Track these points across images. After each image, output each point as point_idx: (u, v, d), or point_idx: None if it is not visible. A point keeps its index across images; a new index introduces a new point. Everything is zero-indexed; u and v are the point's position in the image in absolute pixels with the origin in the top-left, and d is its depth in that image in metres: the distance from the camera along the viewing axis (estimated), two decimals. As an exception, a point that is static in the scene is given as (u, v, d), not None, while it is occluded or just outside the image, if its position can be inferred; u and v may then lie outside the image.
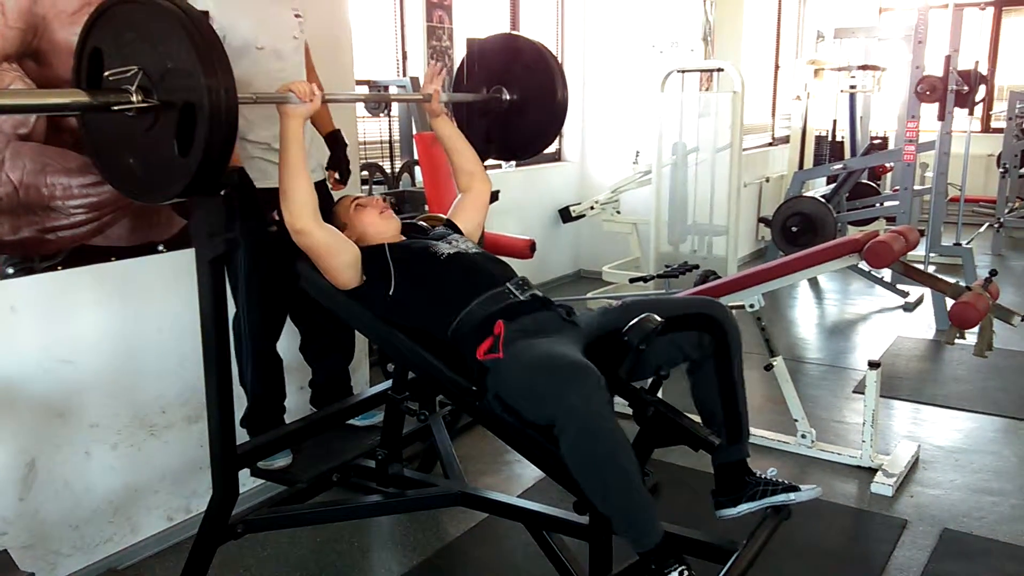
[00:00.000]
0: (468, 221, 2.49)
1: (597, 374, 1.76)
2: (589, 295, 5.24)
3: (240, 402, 2.42)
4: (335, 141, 2.76)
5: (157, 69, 1.69)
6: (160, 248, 2.59)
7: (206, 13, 2.28)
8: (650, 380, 2.04)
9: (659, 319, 1.89)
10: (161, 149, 1.73)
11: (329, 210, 2.38)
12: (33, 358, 2.29)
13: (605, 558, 1.96)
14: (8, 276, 2.23)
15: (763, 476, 2.10)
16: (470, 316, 2.03)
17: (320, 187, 2.70)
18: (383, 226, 2.30)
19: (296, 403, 2.93)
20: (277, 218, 2.28)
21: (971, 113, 5.62)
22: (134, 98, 1.69)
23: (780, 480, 2.09)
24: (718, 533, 2.05)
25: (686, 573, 1.74)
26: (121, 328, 2.50)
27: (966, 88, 5.17)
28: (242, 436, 2.39)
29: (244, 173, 2.40)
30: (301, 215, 2.09)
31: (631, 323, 1.89)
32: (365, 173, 4.19)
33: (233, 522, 2.13)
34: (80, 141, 2.25)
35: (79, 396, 2.41)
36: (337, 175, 2.78)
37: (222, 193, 1.84)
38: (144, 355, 2.57)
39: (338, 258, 2.13)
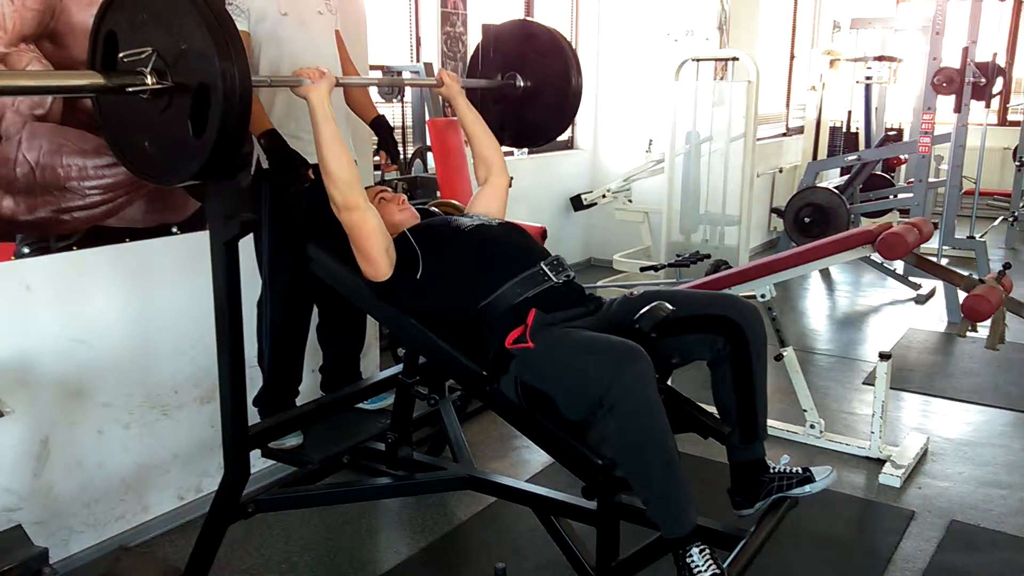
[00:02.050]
0: (487, 210, 2.45)
1: (647, 356, 1.75)
2: (600, 283, 5.24)
3: (252, 384, 2.44)
4: (380, 125, 2.78)
5: (171, 51, 1.69)
6: (174, 230, 2.60)
7: None
8: (661, 368, 2.04)
9: (670, 307, 1.88)
10: (175, 131, 1.74)
11: None
12: (48, 337, 2.32)
13: (612, 543, 1.98)
14: (24, 255, 2.25)
15: (777, 470, 2.09)
16: (503, 298, 1.99)
17: None
18: (405, 220, 2.28)
19: (307, 386, 2.95)
20: (313, 176, 2.29)
21: (988, 106, 5.56)
22: (148, 80, 1.70)
23: (795, 471, 2.08)
24: (726, 520, 2.06)
25: (706, 551, 1.75)
26: (135, 309, 2.52)
27: (983, 80, 5.13)
28: (253, 416, 2.42)
29: (276, 134, 2.39)
30: (350, 191, 2.06)
31: (643, 310, 1.89)
32: (378, 159, 4.20)
33: (244, 501, 2.16)
34: (95, 122, 2.26)
35: (92, 375, 2.43)
36: (388, 158, 2.80)
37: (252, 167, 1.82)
38: (157, 336, 2.59)
39: (381, 242, 2.09)
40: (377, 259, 2.09)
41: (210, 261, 1.93)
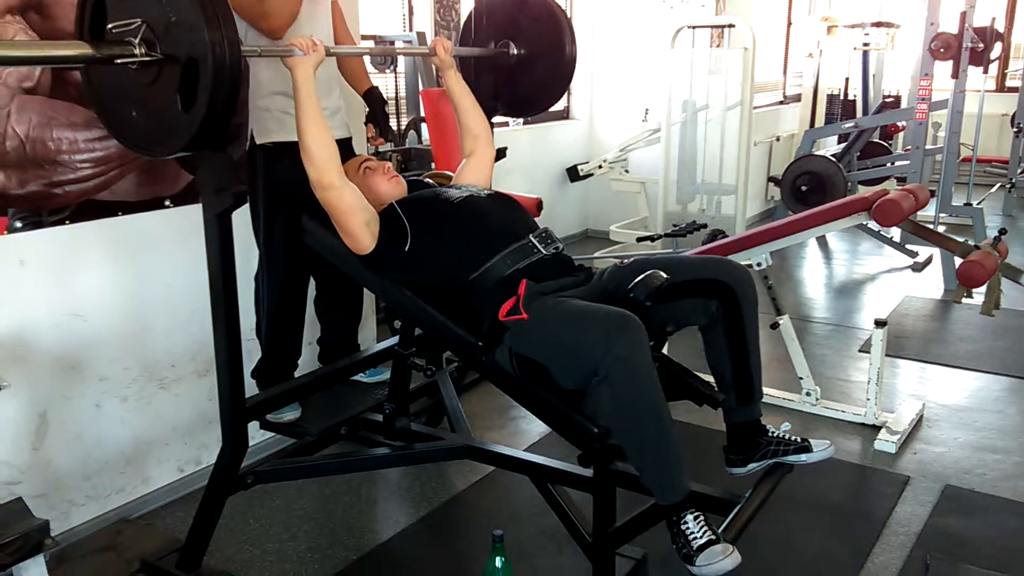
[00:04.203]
0: (475, 181, 2.45)
1: (641, 324, 1.75)
2: (597, 255, 5.23)
3: (249, 356, 2.44)
4: (372, 97, 2.76)
5: (161, 22, 1.68)
6: (167, 203, 2.59)
7: None
8: (655, 336, 2.05)
9: (664, 276, 1.88)
10: (164, 103, 1.73)
11: None
12: (43, 311, 2.32)
13: (609, 510, 1.99)
14: (16, 230, 2.24)
15: (776, 434, 2.10)
16: (493, 270, 2.00)
17: (346, 146, 2.72)
18: (392, 190, 2.26)
19: (304, 359, 2.96)
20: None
21: (986, 71, 5.53)
22: (137, 51, 1.68)
23: (793, 438, 2.09)
24: (720, 487, 2.07)
25: (701, 517, 1.77)
26: (130, 283, 2.52)
27: (981, 46, 5.09)
28: (251, 388, 2.42)
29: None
30: (326, 170, 2.05)
31: (637, 279, 1.89)
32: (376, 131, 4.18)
33: (243, 473, 2.17)
34: (85, 95, 2.24)
35: (89, 349, 2.44)
36: (377, 130, 2.79)
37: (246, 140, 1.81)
38: (153, 309, 2.59)
39: (358, 216, 2.09)
40: (357, 234, 2.09)
41: (203, 233, 1.92)
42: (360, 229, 2.09)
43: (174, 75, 1.69)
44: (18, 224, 2.24)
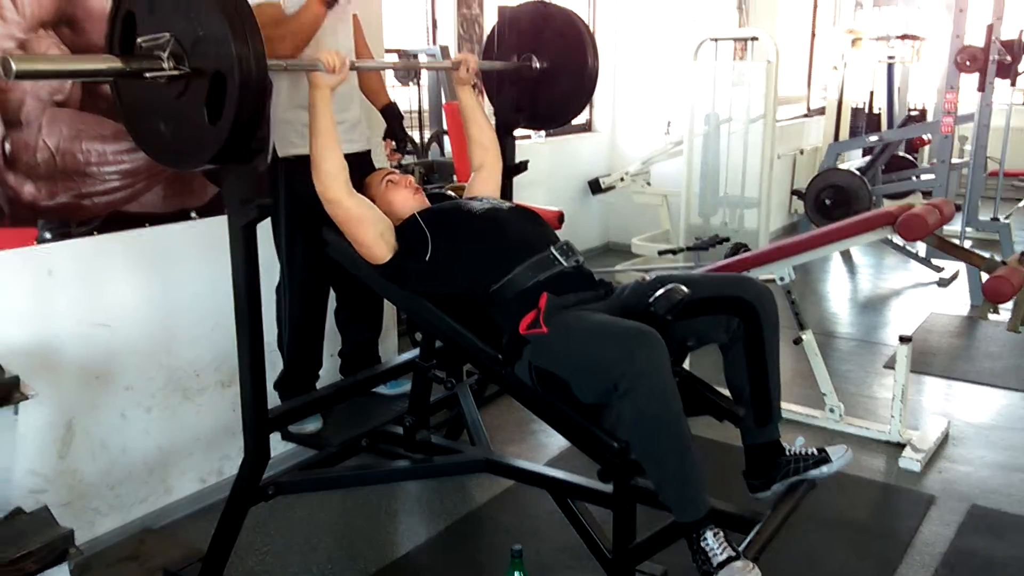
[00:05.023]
0: (490, 194, 2.47)
1: (661, 339, 1.75)
2: (618, 267, 5.23)
3: (272, 367, 2.46)
4: (390, 113, 2.78)
5: (189, 37, 1.70)
6: (193, 215, 2.62)
7: None
8: (676, 351, 2.04)
9: (686, 290, 1.88)
10: (192, 116, 1.75)
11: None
12: (70, 321, 2.35)
13: (629, 526, 1.98)
14: (46, 240, 2.27)
15: (793, 452, 2.09)
16: (514, 282, 2.00)
17: (364, 158, 2.74)
18: (414, 203, 2.29)
19: (326, 370, 2.97)
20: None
21: (1013, 84, 5.45)
22: (166, 65, 1.70)
23: (810, 452, 2.07)
24: (741, 504, 2.05)
25: (720, 534, 1.75)
26: (156, 293, 2.55)
27: (1009, 58, 5.03)
28: (273, 399, 2.44)
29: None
30: (331, 185, 2.10)
31: (658, 293, 1.88)
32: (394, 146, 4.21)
33: (264, 484, 2.18)
34: (114, 108, 2.27)
35: (115, 359, 2.46)
36: (394, 145, 2.81)
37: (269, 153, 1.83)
38: (178, 320, 2.62)
39: (370, 228, 2.12)
40: (369, 244, 2.13)
41: (228, 245, 1.94)
42: (373, 240, 2.12)
43: (201, 89, 1.71)
44: (47, 235, 2.27)
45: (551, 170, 5.62)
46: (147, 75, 1.71)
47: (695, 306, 1.93)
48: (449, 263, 2.10)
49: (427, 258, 2.10)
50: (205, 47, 1.68)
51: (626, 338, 1.75)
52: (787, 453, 2.09)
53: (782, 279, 3.17)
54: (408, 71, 4.58)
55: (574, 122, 3.23)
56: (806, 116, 7.74)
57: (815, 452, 2.07)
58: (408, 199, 2.29)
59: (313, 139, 2.10)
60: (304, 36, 2.45)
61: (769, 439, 2.09)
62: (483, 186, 2.51)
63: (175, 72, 1.71)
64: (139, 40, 1.77)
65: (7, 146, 2.17)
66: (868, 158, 6.39)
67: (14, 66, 1.51)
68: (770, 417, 2.06)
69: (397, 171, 2.40)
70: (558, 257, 2.06)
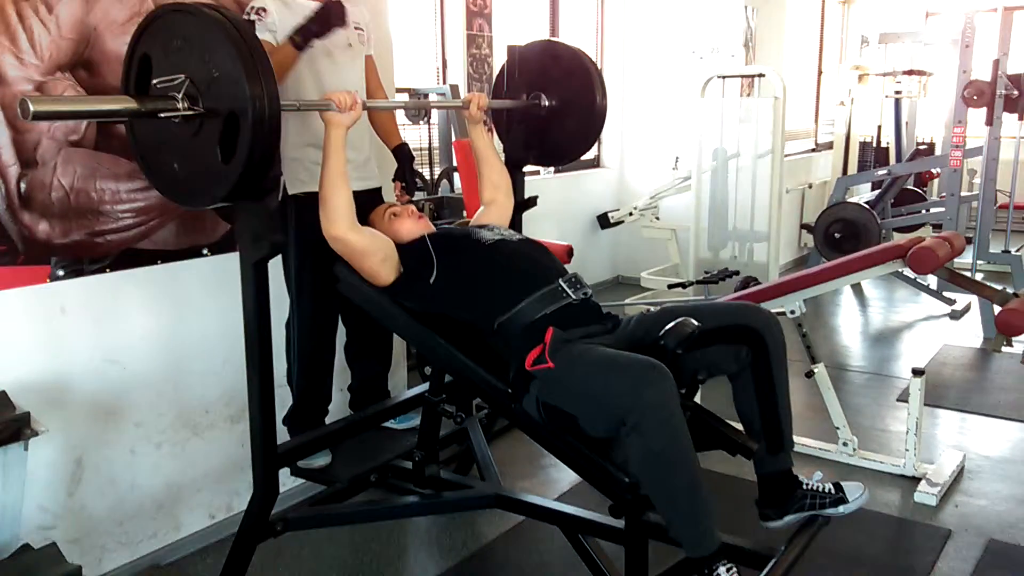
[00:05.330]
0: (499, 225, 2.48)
1: (669, 373, 1.74)
2: (627, 301, 5.22)
3: (281, 403, 2.46)
4: (402, 154, 2.81)
5: (203, 78, 1.74)
6: (205, 252, 2.64)
7: (263, 9, 2.38)
8: (687, 384, 2.03)
9: (696, 323, 1.87)
10: (205, 155, 1.78)
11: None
12: (82, 358, 2.36)
13: (641, 562, 1.96)
14: (59, 278, 2.30)
15: (809, 486, 2.07)
16: (521, 314, 2.01)
17: (375, 195, 2.77)
18: (417, 228, 2.31)
19: (335, 405, 2.96)
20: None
21: (1021, 118, 5.48)
22: (180, 105, 1.74)
23: (827, 488, 2.06)
24: (755, 538, 2.03)
25: (734, 569, 1.73)
26: (167, 330, 2.56)
27: (1015, 92, 5.06)
28: (282, 434, 2.43)
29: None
30: (337, 222, 2.12)
31: (668, 327, 1.88)
32: (403, 186, 4.25)
33: (273, 520, 2.17)
34: (128, 147, 2.31)
35: (125, 396, 2.47)
36: (403, 185, 2.84)
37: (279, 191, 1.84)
38: (188, 356, 2.63)
39: (374, 257, 2.15)
40: (375, 272, 2.17)
41: (240, 282, 1.95)
42: (377, 267, 2.16)
43: (215, 128, 1.74)
44: (60, 272, 2.30)
45: (560, 205, 5.65)
46: (162, 115, 1.74)
47: (703, 336, 1.93)
48: (454, 290, 2.11)
49: (431, 281, 2.11)
50: (219, 88, 1.72)
51: (633, 372, 1.74)
52: (804, 487, 2.07)
53: (793, 312, 3.16)
54: (419, 110, 4.63)
55: (583, 158, 3.25)
56: (814, 151, 7.78)
57: (832, 490, 2.05)
58: (413, 227, 2.31)
59: (324, 177, 2.13)
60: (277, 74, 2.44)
61: (782, 468, 2.07)
62: (491, 220, 2.52)
63: (189, 112, 1.74)
64: (154, 81, 1.80)
65: (23, 185, 2.20)
66: (877, 192, 6.40)
67: (32, 107, 1.54)
68: (782, 445, 2.05)
69: (397, 203, 2.43)
70: (566, 289, 2.07)
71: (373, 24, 2.85)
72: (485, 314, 2.05)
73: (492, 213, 2.56)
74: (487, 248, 2.17)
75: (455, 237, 2.24)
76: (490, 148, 2.61)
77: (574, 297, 2.06)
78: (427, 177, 4.69)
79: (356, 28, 2.67)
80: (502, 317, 2.02)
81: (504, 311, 2.02)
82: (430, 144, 4.84)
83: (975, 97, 4.97)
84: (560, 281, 2.08)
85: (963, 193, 5.53)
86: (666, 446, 1.71)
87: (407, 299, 2.18)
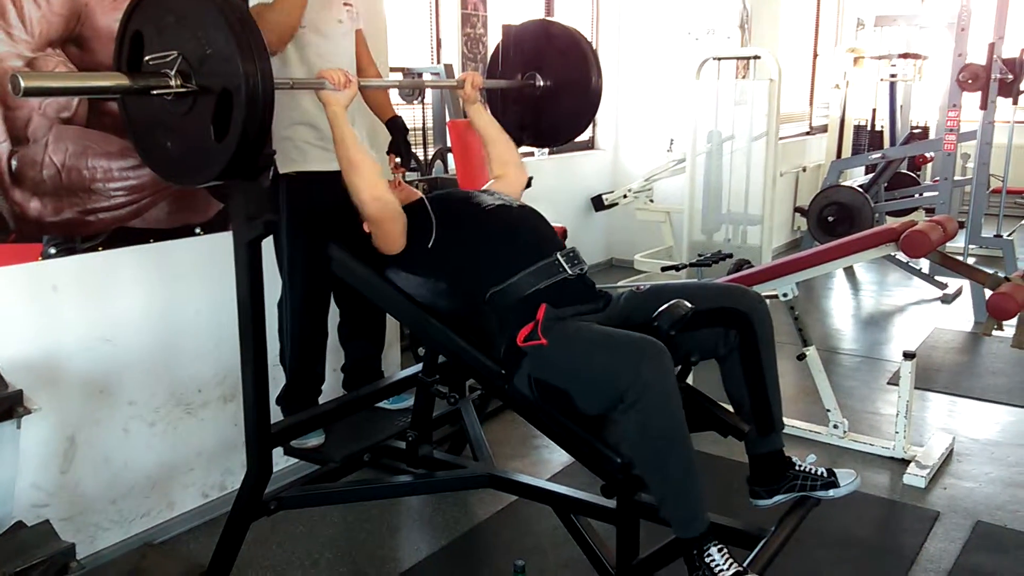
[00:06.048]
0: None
1: (668, 351, 1.74)
2: (621, 283, 5.23)
3: (274, 383, 2.46)
4: (395, 126, 2.79)
5: (196, 55, 1.72)
6: (197, 231, 2.63)
7: None
8: (679, 366, 2.04)
9: (689, 305, 1.88)
10: (198, 133, 1.77)
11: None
12: (74, 336, 2.36)
13: (632, 541, 1.97)
14: (51, 256, 2.29)
15: (802, 468, 2.08)
16: (515, 286, 1.98)
17: None
18: (404, 195, 2.26)
19: (328, 385, 2.97)
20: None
21: (1015, 102, 5.48)
22: (173, 82, 1.72)
23: (819, 471, 2.07)
24: (746, 519, 2.05)
25: (725, 549, 1.74)
26: (159, 308, 2.56)
27: (1010, 77, 5.05)
28: (276, 414, 2.44)
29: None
30: (377, 184, 2.09)
31: (661, 308, 1.88)
32: (398, 160, 4.23)
33: (266, 499, 2.18)
34: (120, 125, 2.30)
35: (118, 374, 2.47)
36: (399, 159, 2.82)
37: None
38: (181, 335, 2.62)
39: (400, 225, 2.11)
40: (397, 238, 2.11)
41: (233, 261, 1.95)
42: (401, 234, 2.11)
43: (208, 106, 1.73)
44: (52, 250, 2.29)
45: (554, 187, 5.64)
46: (154, 92, 1.73)
47: (694, 319, 1.93)
48: (451, 254, 2.08)
49: (429, 245, 2.08)
50: (212, 65, 1.70)
51: (633, 349, 1.75)
52: (796, 468, 2.08)
53: (785, 295, 3.17)
54: (413, 89, 4.60)
55: (577, 139, 3.24)
56: (808, 134, 7.77)
57: (824, 473, 2.07)
58: (411, 194, 2.26)
59: (342, 148, 2.09)
60: (288, 24, 2.39)
61: (772, 448, 2.08)
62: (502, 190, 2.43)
63: (182, 89, 1.73)
64: (147, 58, 1.79)
65: (14, 163, 2.19)
66: (871, 175, 6.41)
67: (23, 83, 1.53)
68: (772, 427, 2.06)
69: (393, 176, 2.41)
70: (563, 264, 2.04)
71: (367, 2, 2.82)
72: (477, 282, 2.02)
73: (500, 185, 2.47)
74: (487, 213, 2.13)
75: (455, 198, 2.20)
76: (492, 125, 2.55)
77: (570, 272, 2.03)
78: (421, 158, 4.67)
79: (345, 4, 2.63)
80: (495, 288, 1.99)
81: (498, 281, 1.99)
82: (424, 124, 4.82)
83: (970, 81, 4.96)
84: (558, 255, 2.05)
85: (956, 177, 5.54)
86: (663, 424, 1.71)
87: (408, 267, 2.14)
